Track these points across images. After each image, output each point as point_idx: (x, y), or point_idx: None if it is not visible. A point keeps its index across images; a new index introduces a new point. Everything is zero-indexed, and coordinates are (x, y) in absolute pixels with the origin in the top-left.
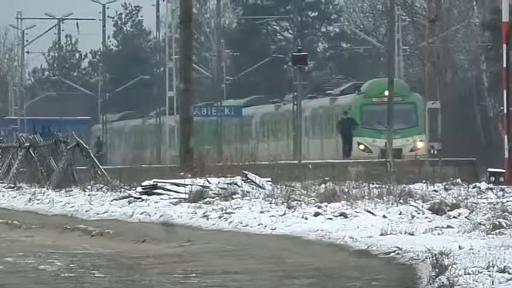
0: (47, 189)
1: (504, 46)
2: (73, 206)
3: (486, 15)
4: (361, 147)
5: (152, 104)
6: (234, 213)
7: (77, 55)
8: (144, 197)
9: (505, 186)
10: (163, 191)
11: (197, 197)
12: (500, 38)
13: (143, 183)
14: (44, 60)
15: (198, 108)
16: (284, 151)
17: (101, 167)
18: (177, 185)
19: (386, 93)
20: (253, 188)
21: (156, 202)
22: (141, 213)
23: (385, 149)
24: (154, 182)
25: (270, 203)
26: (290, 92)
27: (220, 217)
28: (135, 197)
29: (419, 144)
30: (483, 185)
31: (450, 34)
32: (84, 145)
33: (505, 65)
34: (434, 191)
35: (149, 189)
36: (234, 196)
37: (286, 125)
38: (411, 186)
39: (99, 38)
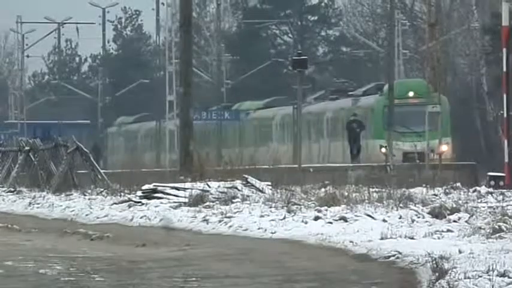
0: (47, 193)
1: (504, 50)
2: (73, 210)
3: (486, 19)
4: (384, 150)
5: (161, 107)
6: (234, 217)
7: (77, 59)
8: (144, 201)
9: (505, 190)
10: (163, 195)
11: (197, 201)
12: (500, 42)
13: (143, 187)
14: (44, 64)
15: (197, 112)
16: (304, 154)
17: (101, 171)
18: (177, 189)
19: (411, 94)
20: (253, 192)
21: (156, 206)
22: (141, 217)
23: (408, 152)
24: (154, 186)
25: (270, 207)
26: (312, 94)
27: (220, 221)
28: (135, 201)
29: (444, 147)
30: (483, 189)
31: (450, 38)
32: (84, 149)
33: (504, 69)
34: (434, 195)
35: (149, 193)
36: (234, 200)
37: (307, 127)
38: (411, 190)
39: (99, 42)
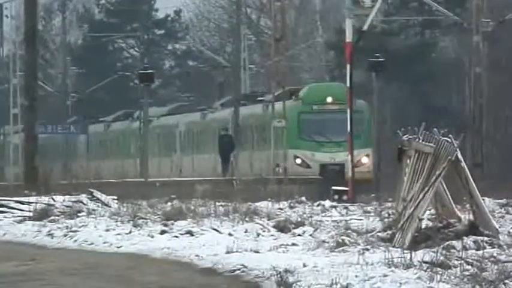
0: None
1: (348, 66)
2: None
3: (330, 35)
4: (298, 161)
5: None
6: (79, 231)
7: None
8: None
9: (348, 204)
10: (6, 209)
11: (42, 215)
12: (344, 57)
13: None
14: None
15: (43, 125)
16: (211, 166)
17: None
18: (22, 202)
19: (330, 99)
20: (99, 206)
21: None
22: None
23: (326, 164)
24: None
25: (116, 221)
26: (220, 98)
27: (65, 235)
28: None
29: (365, 159)
30: (327, 203)
31: (295, 53)
32: None
33: (348, 84)
34: (280, 209)
35: None
36: (79, 214)
37: (213, 135)
38: (257, 204)
39: None
